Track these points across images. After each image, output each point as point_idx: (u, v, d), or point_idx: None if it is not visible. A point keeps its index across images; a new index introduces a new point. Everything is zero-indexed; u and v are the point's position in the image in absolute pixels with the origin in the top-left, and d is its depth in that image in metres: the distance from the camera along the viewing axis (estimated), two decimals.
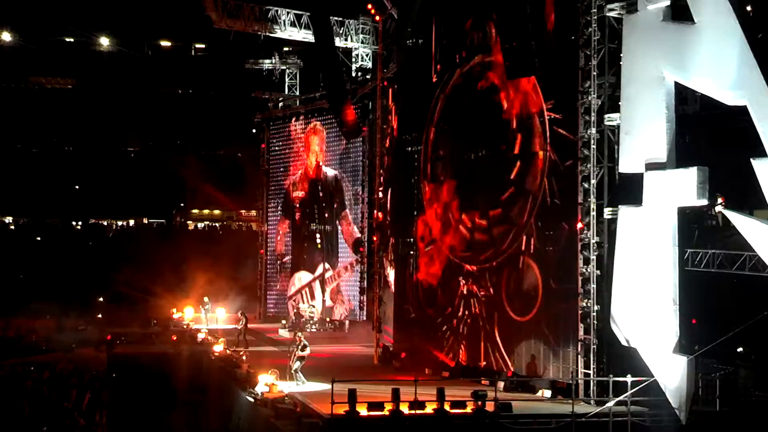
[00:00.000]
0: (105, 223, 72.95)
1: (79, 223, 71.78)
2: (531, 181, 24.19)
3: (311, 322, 39.57)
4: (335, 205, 41.56)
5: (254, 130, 48.39)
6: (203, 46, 69.65)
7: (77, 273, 49.34)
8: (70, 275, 48.31)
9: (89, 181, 69.38)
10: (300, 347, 24.79)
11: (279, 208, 46.09)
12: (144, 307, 45.72)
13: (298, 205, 43.98)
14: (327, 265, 41.47)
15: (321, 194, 42.53)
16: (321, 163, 42.49)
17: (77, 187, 70.68)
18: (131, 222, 73.46)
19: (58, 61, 68.71)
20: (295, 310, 40.98)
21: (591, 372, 21.28)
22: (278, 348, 32.34)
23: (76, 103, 68.85)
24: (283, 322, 40.68)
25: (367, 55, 43.19)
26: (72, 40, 68.94)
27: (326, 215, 42.13)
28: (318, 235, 42.39)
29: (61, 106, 69.10)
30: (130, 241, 59.22)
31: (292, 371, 24.50)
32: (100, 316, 44.77)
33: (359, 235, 39.50)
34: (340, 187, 41.34)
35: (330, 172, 41.86)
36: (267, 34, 42.59)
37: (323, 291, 41.48)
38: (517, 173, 24.79)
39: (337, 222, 41.37)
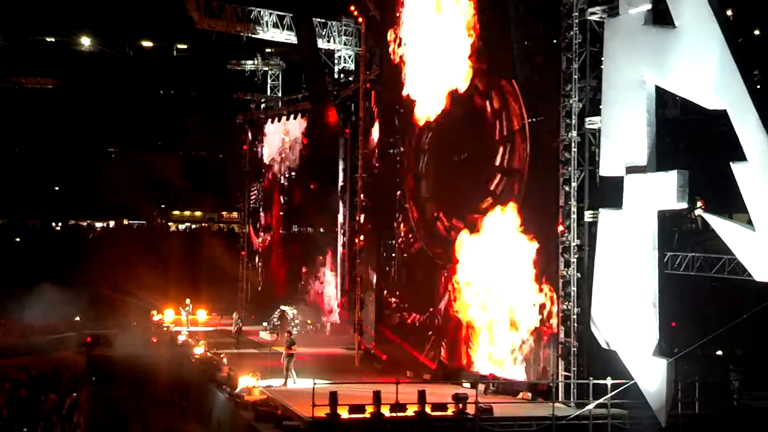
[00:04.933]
0: (85, 224, 72.41)
1: (59, 224, 71.22)
2: (509, 193, 24.26)
3: (294, 323, 39.48)
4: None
5: (236, 131, 48.23)
6: (185, 46, 69.46)
7: (56, 274, 48.93)
8: (49, 276, 47.88)
9: (69, 181, 68.90)
10: (288, 344, 25.00)
11: (261, 208, 46.07)
12: (124, 309, 45.45)
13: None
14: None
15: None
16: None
17: (57, 188, 70.15)
18: (111, 223, 72.99)
19: (39, 61, 68.22)
20: (279, 312, 40.89)
21: (571, 374, 21.33)
22: (258, 350, 32.26)
23: (57, 103, 68.37)
24: (264, 324, 40.53)
25: (349, 57, 43.13)
26: (53, 39, 68.58)
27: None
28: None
29: (41, 106, 68.58)
30: (110, 243, 58.87)
31: (288, 369, 24.69)
32: (78, 318, 44.42)
33: None
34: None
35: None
36: (249, 35, 42.46)
37: None
38: (497, 184, 24.87)
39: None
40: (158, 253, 49.61)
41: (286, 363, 24.93)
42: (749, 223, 17.47)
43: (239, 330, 36.47)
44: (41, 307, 42.36)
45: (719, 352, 20.78)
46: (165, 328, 40.33)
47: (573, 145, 21.57)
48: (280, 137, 44.45)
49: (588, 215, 21.41)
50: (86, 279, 47.56)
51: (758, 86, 18.91)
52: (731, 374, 20.59)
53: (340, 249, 39.62)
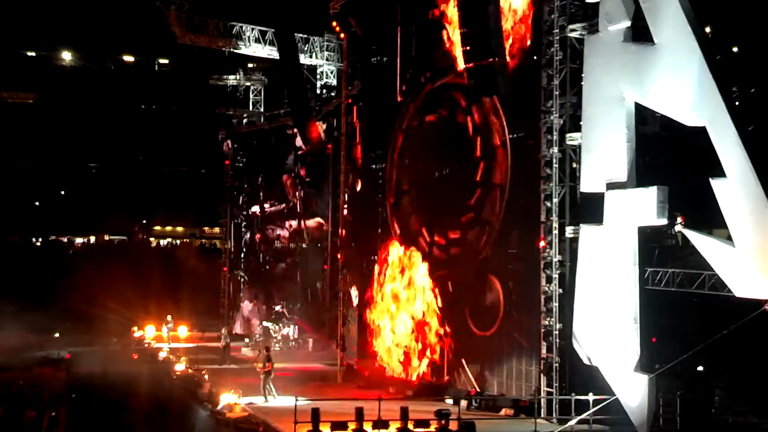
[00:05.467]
0: (65, 239, 71.93)
1: (39, 239, 70.68)
2: (489, 211, 24.34)
3: (276, 339, 39.37)
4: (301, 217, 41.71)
5: (218, 147, 48.09)
6: (167, 61, 69.10)
7: (36, 290, 48.54)
8: (29, 292, 47.49)
9: (49, 197, 68.43)
10: (264, 361, 24.95)
11: (243, 220, 45.94)
12: (105, 325, 45.07)
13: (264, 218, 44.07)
14: None
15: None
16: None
17: (37, 203, 69.66)
18: (92, 239, 72.55)
19: (20, 76, 67.76)
20: (262, 328, 40.78)
21: (553, 390, 21.35)
22: (238, 366, 32.16)
23: (37, 118, 67.94)
24: (246, 340, 40.40)
25: (332, 72, 43.22)
26: (34, 54, 68.13)
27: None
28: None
29: (21, 120, 68.10)
30: (90, 258, 58.46)
31: (265, 386, 24.64)
32: (57, 335, 44.03)
33: None
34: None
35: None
36: (231, 50, 42.44)
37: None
38: (476, 200, 24.96)
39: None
40: (139, 268, 49.24)
41: (263, 380, 24.87)
42: (729, 238, 17.61)
43: (227, 346, 36.35)
44: (20, 323, 41.97)
45: (700, 368, 20.84)
46: (146, 345, 40.07)
47: (554, 161, 21.69)
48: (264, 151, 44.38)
49: (569, 231, 21.51)
50: (66, 295, 47.15)
51: (737, 103, 19.06)
52: (715, 390, 20.65)
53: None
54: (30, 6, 60.90)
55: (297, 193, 41.92)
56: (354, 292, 32.62)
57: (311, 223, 40.66)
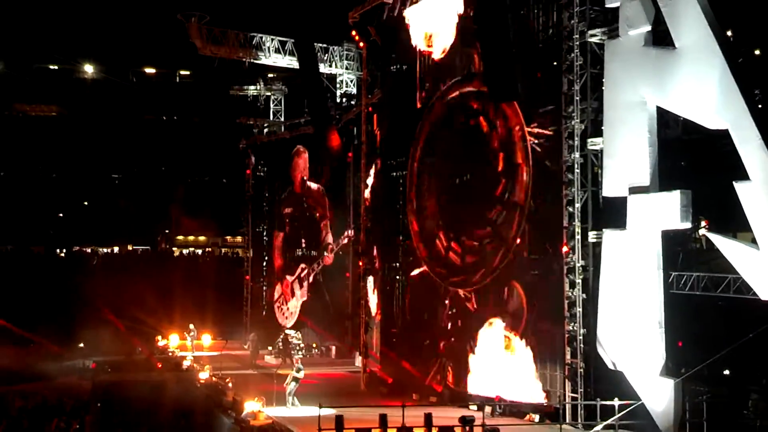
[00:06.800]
0: (89, 250, 72.48)
1: (63, 250, 71.24)
2: (517, 193, 24.22)
3: (298, 348, 39.44)
4: (318, 215, 41.73)
5: (239, 156, 48.36)
6: (188, 72, 69.68)
7: (61, 300, 48.93)
8: (53, 303, 47.89)
9: (73, 208, 69.02)
10: (296, 369, 25.08)
11: (265, 228, 46.03)
12: (128, 335, 45.34)
13: (287, 220, 44.03)
14: (304, 265, 41.69)
15: (305, 205, 42.70)
16: (305, 179, 42.70)
17: (61, 214, 70.27)
18: (116, 249, 73.07)
19: (43, 89, 68.50)
20: (282, 337, 40.88)
21: (578, 396, 21.27)
22: (257, 371, 32.31)
23: (61, 131, 68.64)
24: (270, 348, 40.52)
25: (351, 81, 43.40)
26: (56, 67, 68.91)
27: (311, 227, 42.26)
28: (303, 243, 42.67)
29: (45, 133, 68.82)
30: (114, 268, 58.90)
31: (287, 394, 24.78)
32: (82, 345, 44.33)
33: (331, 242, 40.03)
34: (323, 201, 41.44)
35: (313, 185, 42.11)
36: (252, 60, 42.71)
37: (301, 287, 41.58)
38: (502, 189, 24.88)
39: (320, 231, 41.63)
40: (162, 278, 49.60)
41: (290, 387, 25.00)
42: (753, 241, 17.52)
43: (256, 351, 36.66)
44: (44, 334, 42.33)
45: (726, 372, 20.71)
46: (170, 354, 40.27)
47: (576, 166, 21.67)
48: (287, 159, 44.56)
49: (592, 236, 21.47)
50: (90, 305, 47.47)
51: (759, 105, 18.99)
52: (751, 394, 20.50)
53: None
54: (51, 20, 61.54)
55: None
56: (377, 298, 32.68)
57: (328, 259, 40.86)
